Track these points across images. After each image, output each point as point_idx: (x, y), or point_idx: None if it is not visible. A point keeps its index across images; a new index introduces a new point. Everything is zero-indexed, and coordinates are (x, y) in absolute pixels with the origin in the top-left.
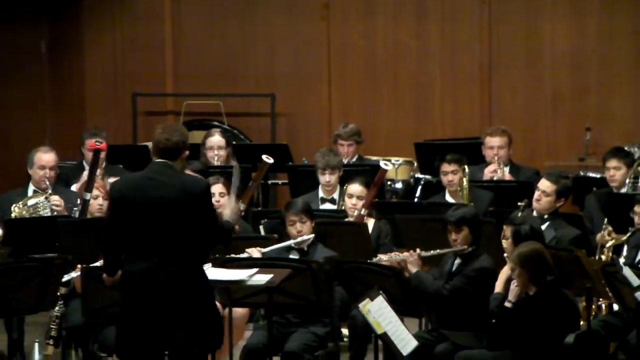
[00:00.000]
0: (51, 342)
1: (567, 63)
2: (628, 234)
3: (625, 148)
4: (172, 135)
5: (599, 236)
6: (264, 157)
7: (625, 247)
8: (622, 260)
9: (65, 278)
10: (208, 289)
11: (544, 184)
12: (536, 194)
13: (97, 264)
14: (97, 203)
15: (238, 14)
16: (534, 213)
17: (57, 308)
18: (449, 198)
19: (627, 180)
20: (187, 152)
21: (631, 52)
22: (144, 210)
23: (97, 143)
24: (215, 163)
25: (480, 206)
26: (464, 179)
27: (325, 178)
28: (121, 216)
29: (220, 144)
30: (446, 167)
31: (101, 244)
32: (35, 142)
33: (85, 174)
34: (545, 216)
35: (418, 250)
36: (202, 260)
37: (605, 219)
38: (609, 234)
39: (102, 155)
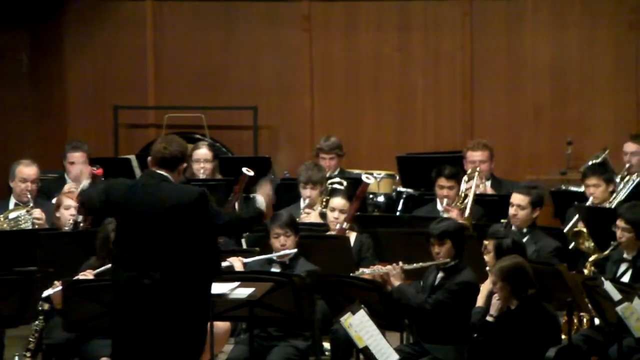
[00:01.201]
0: (28, 354)
1: (548, 74)
2: (610, 248)
3: (592, 161)
4: (169, 146)
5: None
6: (244, 169)
7: (608, 262)
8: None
9: (45, 294)
10: (195, 303)
11: (517, 198)
12: (511, 210)
13: (79, 276)
14: (69, 213)
15: (220, 26)
16: (512, 228)
17: (37, 322)
18: (440, 208)
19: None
20: (185, 165)
21: (612, 63)
22: (131, 218)
23: (94, 168)
24: (201, 176)
25: (472, 220)
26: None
27: (307, 192)
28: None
29: (207, 157)
30: (443, 182)
31: None
32: (15, 153)
33: (67, 187)
34: (525, 230)
35: (400, 264)
36: (196, 271)
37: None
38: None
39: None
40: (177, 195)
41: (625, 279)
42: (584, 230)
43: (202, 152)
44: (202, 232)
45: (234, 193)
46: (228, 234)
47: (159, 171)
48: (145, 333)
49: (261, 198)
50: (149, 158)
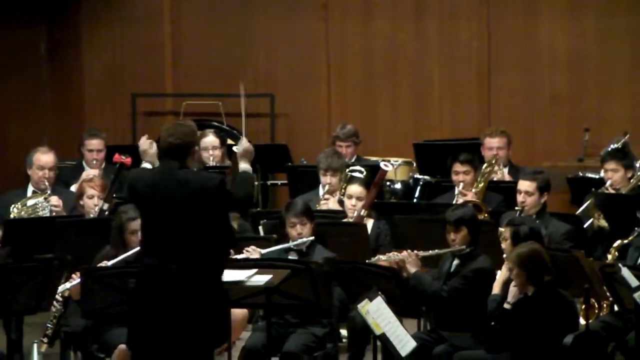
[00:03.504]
0: (45, 340)
1: (566, 64)
2: (634, 235)
3: (613, 145)
4: (174, 138)
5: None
6: (234, 148)
7: (630, 248)
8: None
9: (61, 288)
10: (217, 287)
11: (524, 185)
12: (520, 197)
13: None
14: (93, 203)
15: (237, 15)
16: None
17: (55, 309)
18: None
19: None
20: (196, 148)
21: (629, 53)
22: (156, 207)
23: (123, 157)
24: (211, 163)
25: (489, 207)
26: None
27: (327, 179)
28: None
29: (214, 144)
30: (458, 167)
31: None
32: (34, 142)
33: (85, 173)
34: (534, 216)
35: (416, 251)
36: (215, 258)
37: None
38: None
39: (101, 156)
40: (200, 180)
41: None
42: None
43: (210, 139)
44: (221, 217)
45: (227, 173)
46: (240, 208)
47: (173, 161)
48: (167, 320)
49: (245, 166)
50: (158, 150)
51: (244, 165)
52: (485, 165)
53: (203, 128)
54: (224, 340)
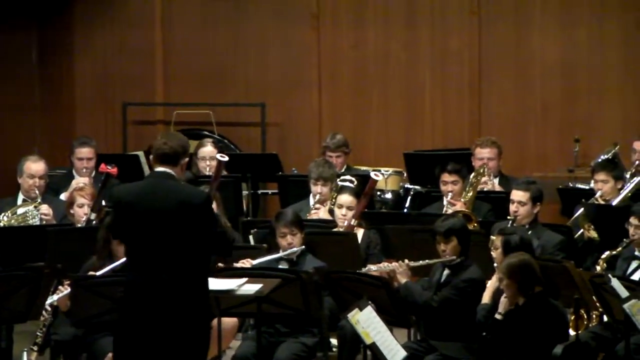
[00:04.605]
0: (35, 348)
1: (557, 72)
2: (623, 246)
3: (603, 156)
4: (169, 141)
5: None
6: (217, 155)
7: (619, 259)
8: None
9: (49, 300)
10: (201, 301)
11: (518, 195)
12: (512, 207)
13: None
14: (83, 211)
15: (228, 23)
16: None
17: (44, 317)
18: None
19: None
20: (186, 159)
21: (621, 61)
22: (142, 220)
23: (109, 167)
24: (207, 173)
25: (478, 217)
26: (470, 189)
27: (318, 189)
28: (122, 222)
29: (212, 154)
30: (447, 177)
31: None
32: (24, 149)
33: (74, 182)
34: (527, 226)
35: (407, 261)
36: (200, 271)
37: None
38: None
39: (91, 164)
40: (185, 194)
41: (636, 276)
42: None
43: (208, 149)
44: (205, 233)
45: (213, 180)
46: (215, 246)
47: (162, 168)
48: (152, 332)
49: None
50: (151, 156)
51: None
52: (473, 174)
53: (195, 137)
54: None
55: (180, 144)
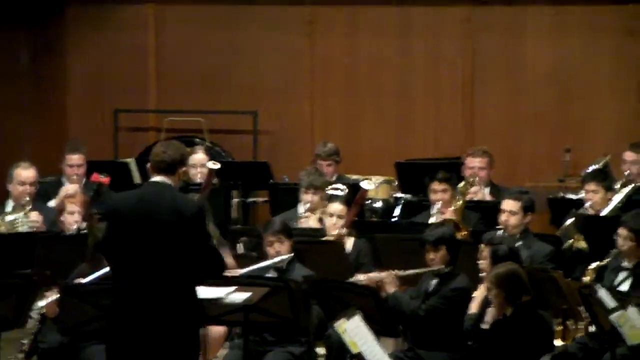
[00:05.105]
0: (22, 356)
1: (549, 80)
2: (611, 257)
3: (593, 166)
4: (167, 150)
5: None
6: (209, 163)
7: (606, 270)
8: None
9: (38, 305)
10: (191, 312)
11: (509, 204)
12: (503, 217)
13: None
14: (73, 219)
15: (222, 30)
16: (505, 234)
17: (31, 324)
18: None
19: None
20: (184, 168)
21: (612, 69)
22: (134, 229)
23: (102, 176)
24: (198, 180)
25: (467, 226)
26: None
27: (308, 197)
28: (116, 233)
29: (203, 161)
30: (436, 185)
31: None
32: (15, 156)
33: (64, 189)
34: (517, 236)
35: (395, 271)
36: (191, 282)
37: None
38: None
39: (81, 171)
40: (179, 205)
41: (623, 287)
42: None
43: (199, 156)
44: (197, 244)
45: (203, 189)
46: (206, 262)
47: (159, 178)
48: (142, 341)
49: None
50: (148, 164)
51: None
52: (462, 183)
53: (186, 145)
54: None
55: (179, 153)
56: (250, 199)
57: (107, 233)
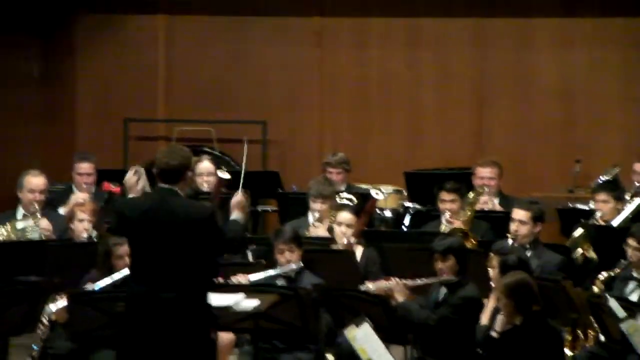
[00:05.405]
0: None
1: (557, 93)
2: (621, 267)
3: (603, 177)
4: (171, 158)
5: None
6: (218, 172)
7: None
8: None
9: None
10: (205, 316)
11: (519, 214)
12: (513, 226)
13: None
14: (83, 227)
15: (231, 41)
16: (515, 244)
17: (41, 330)
18: (443, 221)
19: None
20: (189, 173)
21: (621, 84)
22: (145, 234)
23: (113, 186)
24: (205, 189)
25: (476, 236)
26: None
27: (317, 206)
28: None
29: (209, 170)
30: (445, 195)
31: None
32: (25, 164)
33: (74, 197)
34: (527, 246)
35: (404, 281)
36: (204, 287)
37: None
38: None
39: (91, 180)
40: (190, 211)
41: (633, 297)
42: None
43: (205, 165)
44: (210, 248)
45: (213, 197)
46: (230, 249)
47: (166, 185)
48: (157, 346)
49: (239, 215)
50: (154, 169)
51: (236, 215)
52: (472, 193)
53: (195, 154)
54: None
55: (183, 159)
56: (260, 208)
57: (115, 226)
